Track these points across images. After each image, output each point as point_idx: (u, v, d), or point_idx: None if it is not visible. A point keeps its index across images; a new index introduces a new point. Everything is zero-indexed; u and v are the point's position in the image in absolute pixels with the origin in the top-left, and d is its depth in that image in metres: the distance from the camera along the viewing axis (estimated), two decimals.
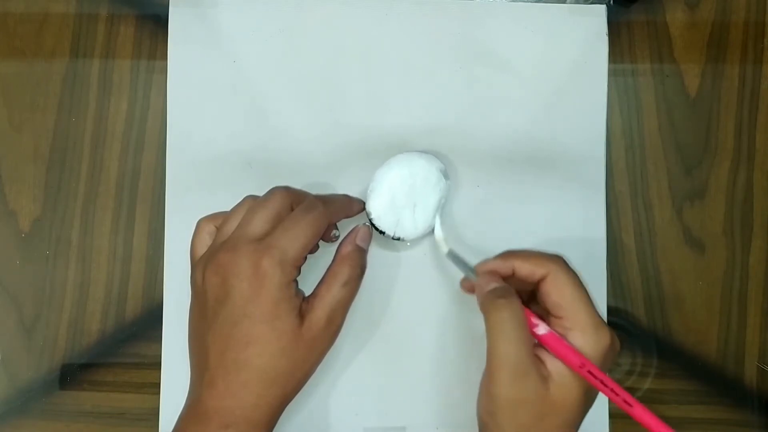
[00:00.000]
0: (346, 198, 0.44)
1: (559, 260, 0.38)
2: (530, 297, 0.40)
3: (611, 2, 0.48)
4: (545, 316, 0.38)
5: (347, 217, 0.44)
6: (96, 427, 0.46)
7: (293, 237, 0.37)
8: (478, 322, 0.46)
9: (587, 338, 0.36)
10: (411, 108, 0.47)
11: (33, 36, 0.48)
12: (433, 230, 0.45)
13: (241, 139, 0.47)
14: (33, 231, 0.47)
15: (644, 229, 0.48)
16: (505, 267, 0.39)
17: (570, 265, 0.38)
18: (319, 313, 0.38)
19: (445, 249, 0.43)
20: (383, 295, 0.46)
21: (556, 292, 0.37)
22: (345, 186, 0.46)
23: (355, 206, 0.44)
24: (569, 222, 0.47)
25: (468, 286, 0.41)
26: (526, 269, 0.38)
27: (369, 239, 0.43)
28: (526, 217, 0.47)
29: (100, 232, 0.47)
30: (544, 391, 0.36)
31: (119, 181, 0.48)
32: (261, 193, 0.40)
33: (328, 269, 0.40)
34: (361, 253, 0.41)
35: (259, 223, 0.38)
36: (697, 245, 0.48)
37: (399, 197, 0.44)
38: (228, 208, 0.40)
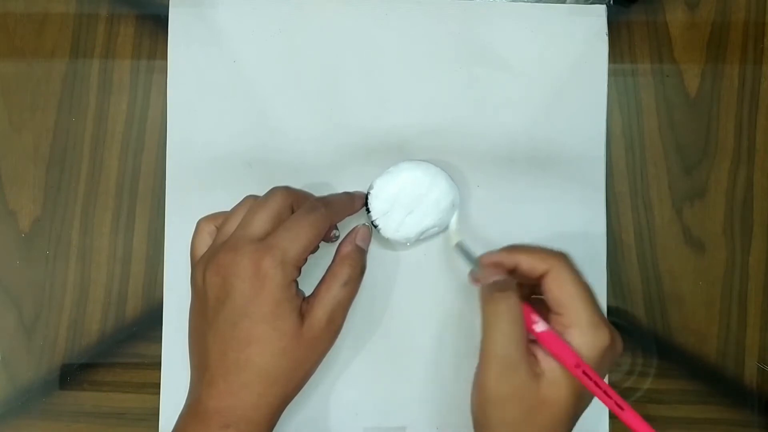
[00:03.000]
0: (347, 196, 0.44)
1: (561, 257, 0.38)
2: (537, 291, 0.40)
3: (611, 2, 0.48)
4: (547, 312, 0.38)
5: (349, 215, 0.44)
6: (96, 427, 0.46)
7: (294, 237, 0.37)
8: (478, 322, 0.46)
9: (585, 337, 0.36)
10: (411, 108, 0.47)
11: (33, 36, 0.48)
12: (408, 243, 0.45)
13: (241, 139, 0.47)
14: (33, 231, 0.47)
15: (644, 228, 0.48)
16: (508, 260, 0.39)
17: (573, 262, 0.38)
18: (320, 312, 0.38)
19: (454, 240, 0.43)
20: (383, 295, 0.46)
21: (557, 288, 0.37)
22: (345, 186, 0.46)
23: (357, 203, 0.44)
24: (569, 222, 0.47)
25: (475, 278, 0.41)
26: (528, 264, 0.38)
27: (369, 239, 0.43)
28: (526, 217, 0.47)
29: (100, 232, 0.47)
30: (534, 388, 0.36)
31: (119, 181, 0.48)
32: (261, 193, 0.40)
33: (328, 269, 0.40)
34: (361, 253, 0.41)
35: (259, 223, 0.38)
36: (697, 245, 0.48)
37: (405, 195, 0.44)
38: (228, 208, 0.40)
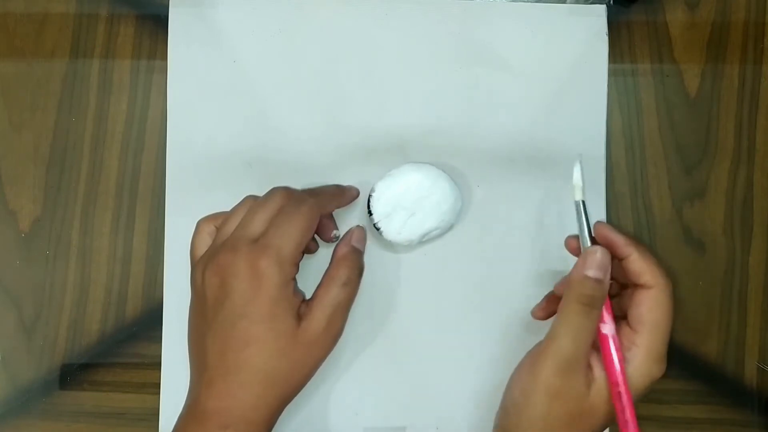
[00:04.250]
0: (337, 187, 0.44)
1: (669, 283, 0.37)
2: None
3: (611, 2, 0.48)
4: (619, 314, 0.38)
5: (340, 206, 0.43)
6: (96, 427, 0.46)
7: (286, 234, 0.37)
8: (478, 322, 0.46)
9: (645, 365, 0.36)
10: (411, 108, 0.47)
11: (33, 36, 0.48)
12: (411, 245, 0.45)
13: (241, 139, 0.47)
14: (33, 231, 0.47)
15: (644, 228, 0.48)
16: (622, 250, 0.38)
17: (673, 292, 0.37)
18: (319, 314, 0.38)
19: (578, 196, 0.39)
20: (383, 295, 0.46)
21: (650, 309, 0.37)
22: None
23: (348, 194, 0.44)
24: (570, 222, 0.47)
25: (573, 247, 0.40)
26: (638, 268, 0.37)
27: (364, 240, 0.43)
28: (526, 217, 0.47)
29: (100, 232, 0.47)
30: (584, 393, 0.36)
31: (119, 181, 0.48)
32: (261, 193, 0.40)
33: (326, 272, 0.40)
34: (358, 254, 0.41)
35: (259, 224, 0.38)
36: (697, 245, 0.48)
37: (406, 198, 0.44)
38: (228, 208, 0.40)
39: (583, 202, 0.39)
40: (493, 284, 0.47)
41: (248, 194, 0.41)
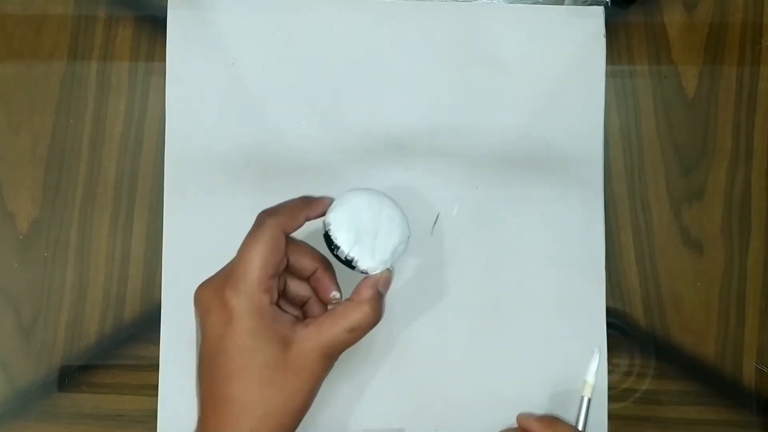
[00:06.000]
0: (303, 200, 0.40)
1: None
2: None
3: (609, 4, 0.48)
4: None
5: (310, 218, 0.40)
6: (94, 429, 0.46)
7: (247, 261, 0.35)
8: (476, 324, 0.46)
9: None
10: (410, 109, 0.47)
11: (31, 37, 0.48)
12: (389, 267, 0.41)
13: (240, 140, 0.47)
14: (31, 233, 0.47)
15: (642, 230, 0.48)
16: None
17: None
18: (313, 344, 0.36)
19: (587, 393, 0.44)
20: None
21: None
22: (343, 187, 0.46)
23: (318, 205, 0.40)
24: (568, 223, 0.47)
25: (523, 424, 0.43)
26: None
27: (389, 286, 0.40)
28: (525, 218, 0.47)
29: (98, 234, 0.47)
30: None
31: (117, 183, 0.48)
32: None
33: (340, 305, 0.38)
34: (381, 302, 0.38)
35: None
36: (695, 246, 0.48)
37: (363, 219, 0.40)
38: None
39: (589, 399, 0.44)
40: (491, 285, 0.47)
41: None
